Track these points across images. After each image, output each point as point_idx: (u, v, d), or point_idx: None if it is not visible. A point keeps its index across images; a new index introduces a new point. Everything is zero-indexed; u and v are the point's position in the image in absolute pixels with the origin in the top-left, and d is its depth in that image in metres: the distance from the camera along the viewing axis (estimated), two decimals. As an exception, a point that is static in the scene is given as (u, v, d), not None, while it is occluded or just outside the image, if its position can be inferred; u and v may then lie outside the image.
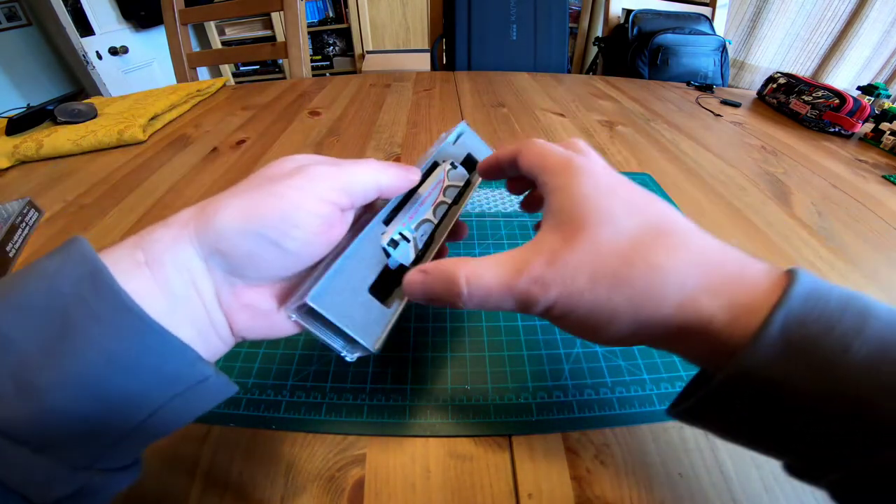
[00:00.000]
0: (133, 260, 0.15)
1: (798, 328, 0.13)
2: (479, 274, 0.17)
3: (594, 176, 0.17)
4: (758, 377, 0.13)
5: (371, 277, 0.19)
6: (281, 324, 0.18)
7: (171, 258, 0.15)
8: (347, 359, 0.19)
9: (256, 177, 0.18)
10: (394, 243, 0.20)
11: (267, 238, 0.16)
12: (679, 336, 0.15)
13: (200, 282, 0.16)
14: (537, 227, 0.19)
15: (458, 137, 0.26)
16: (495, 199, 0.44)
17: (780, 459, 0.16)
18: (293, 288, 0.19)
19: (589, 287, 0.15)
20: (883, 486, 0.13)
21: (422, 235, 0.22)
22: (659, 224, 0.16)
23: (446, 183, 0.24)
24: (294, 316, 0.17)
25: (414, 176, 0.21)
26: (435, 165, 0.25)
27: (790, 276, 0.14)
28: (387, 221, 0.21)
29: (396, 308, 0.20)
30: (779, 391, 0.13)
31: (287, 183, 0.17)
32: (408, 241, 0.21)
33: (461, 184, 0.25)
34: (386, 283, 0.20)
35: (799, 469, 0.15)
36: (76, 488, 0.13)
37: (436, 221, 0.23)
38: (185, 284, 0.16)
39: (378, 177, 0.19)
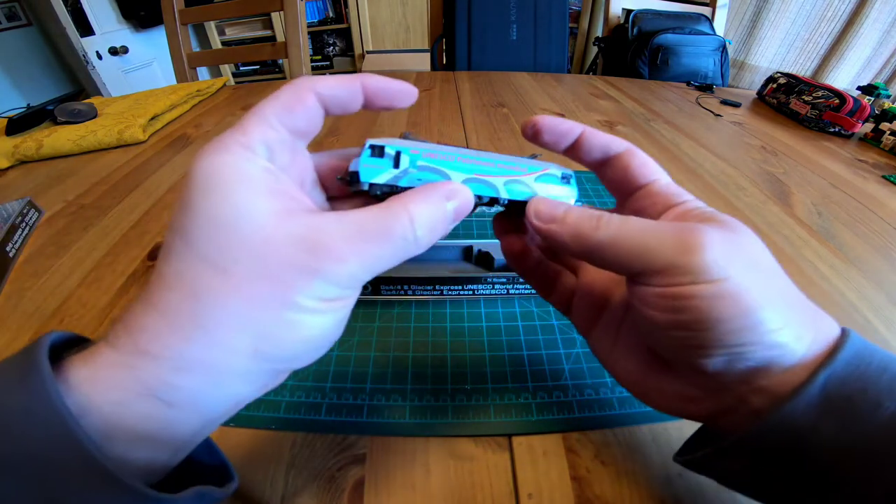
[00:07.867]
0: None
1: (837, 387, 0.14)
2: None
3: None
4: (786, 429, 0.14)
5: None
6: None
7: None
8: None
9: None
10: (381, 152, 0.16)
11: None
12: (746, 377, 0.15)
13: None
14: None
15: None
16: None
17: None
18: None
19: (742, 269, 0.14)
20: None
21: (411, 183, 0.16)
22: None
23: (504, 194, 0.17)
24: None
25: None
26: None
27: (842, 338, 0.15)
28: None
29: None
30: (803, 443, 0.14)
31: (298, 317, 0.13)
32: (396, 168, 0.16)
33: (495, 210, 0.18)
34: None
35: None
36: None
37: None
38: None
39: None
